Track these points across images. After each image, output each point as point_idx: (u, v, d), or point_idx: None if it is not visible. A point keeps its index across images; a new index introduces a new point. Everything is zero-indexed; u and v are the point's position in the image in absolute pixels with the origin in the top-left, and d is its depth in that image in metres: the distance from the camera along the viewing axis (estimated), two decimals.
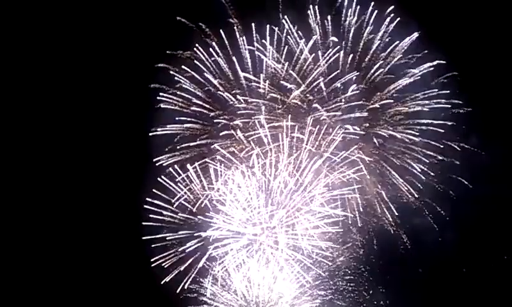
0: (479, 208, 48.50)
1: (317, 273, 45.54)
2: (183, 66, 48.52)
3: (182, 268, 47.14)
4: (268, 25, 47.57)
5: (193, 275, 46.94)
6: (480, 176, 48.09)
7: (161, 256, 47.49)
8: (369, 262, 47.66)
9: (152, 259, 47.40)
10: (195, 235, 46.22)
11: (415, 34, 47.85)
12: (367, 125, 47.88)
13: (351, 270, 46.56)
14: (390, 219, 47.99)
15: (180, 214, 47.08)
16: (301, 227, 45.19)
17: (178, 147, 48.25)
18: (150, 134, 48.39)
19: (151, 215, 47.40)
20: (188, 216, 46.70)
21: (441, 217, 48.21)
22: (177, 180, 47.41)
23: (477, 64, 49.05)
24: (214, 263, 46.12)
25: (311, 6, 47.56)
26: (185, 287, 47.30)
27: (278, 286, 45.74)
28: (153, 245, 47.50)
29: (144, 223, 47.47)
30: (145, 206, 47.44)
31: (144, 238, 47.49)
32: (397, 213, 47.91)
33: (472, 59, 48.95)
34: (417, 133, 48.12)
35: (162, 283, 47.54)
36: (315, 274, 45.50)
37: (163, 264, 47.32)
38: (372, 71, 48.31)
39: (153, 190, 47.20)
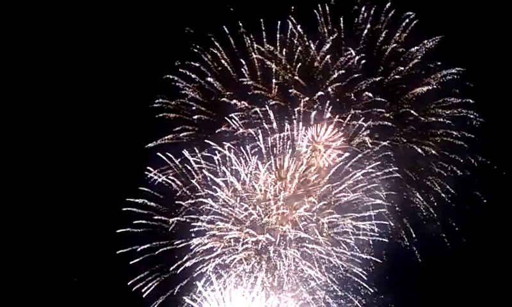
0: (492, 221, 47.33)
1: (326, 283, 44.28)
2: (192, 75, 48.26)
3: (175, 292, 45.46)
4: (278, 31, 47.14)
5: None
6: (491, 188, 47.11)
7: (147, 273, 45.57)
8: (379, 275, 46.05)
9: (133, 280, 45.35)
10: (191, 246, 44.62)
11: (436, 38, 47.14)
12: (377, 135, 46.76)
13: (361, 281, 45.05)
14: (402, 232, 46.76)
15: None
16: (312, 234, 44.12)
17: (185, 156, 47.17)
18: (154, 144, 48.11)
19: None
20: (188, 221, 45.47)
21: (454, 230, 46.96)
22: (183, 189, 46.45)
23: (491, 74, 48.13)
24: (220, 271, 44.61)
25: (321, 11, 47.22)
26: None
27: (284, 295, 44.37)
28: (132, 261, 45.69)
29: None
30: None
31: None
32: (408, 226, 46.73)
33: (486, 70, 47.95)
34: (433, 145, 47.06)
35: None
36: (323, 284, 44.21)
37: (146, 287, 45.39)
38: (387, 80, 47.41)
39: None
